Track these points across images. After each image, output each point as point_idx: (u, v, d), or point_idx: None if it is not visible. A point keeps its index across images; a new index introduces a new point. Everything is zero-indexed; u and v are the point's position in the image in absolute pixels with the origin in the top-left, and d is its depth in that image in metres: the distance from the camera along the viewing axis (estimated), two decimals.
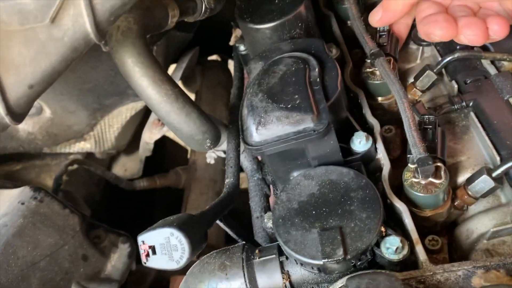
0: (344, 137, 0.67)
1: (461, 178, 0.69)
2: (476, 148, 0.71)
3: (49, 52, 0.47)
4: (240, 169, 0.89)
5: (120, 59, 0.69)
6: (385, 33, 0.79)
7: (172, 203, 1.47)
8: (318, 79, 0.65)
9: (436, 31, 0.66)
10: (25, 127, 1.21)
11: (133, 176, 1.43)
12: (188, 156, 1.53)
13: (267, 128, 0.62)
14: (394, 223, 0.64)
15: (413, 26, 0.82)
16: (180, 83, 1.72)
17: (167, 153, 1.70)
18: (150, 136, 1.23)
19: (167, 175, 1.39)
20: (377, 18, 0.75)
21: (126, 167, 1.47)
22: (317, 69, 0.66)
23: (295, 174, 0.68)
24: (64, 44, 0.47)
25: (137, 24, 0.70)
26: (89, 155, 1.37)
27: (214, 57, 1.82)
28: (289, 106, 0.62)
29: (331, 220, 0.57)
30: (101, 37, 0.50)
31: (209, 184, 1.37)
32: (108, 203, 1.47)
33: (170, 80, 0.72)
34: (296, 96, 0.63)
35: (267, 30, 0.75)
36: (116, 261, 0.89)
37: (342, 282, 0.54)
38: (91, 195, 1.39)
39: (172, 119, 0.72)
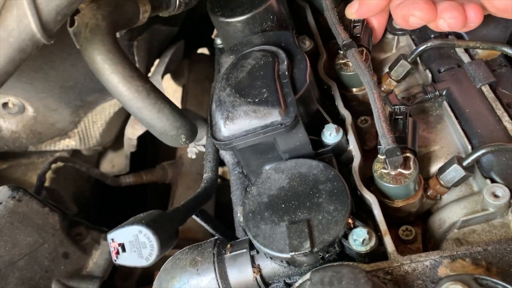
0: (316, 130, 0.67)
1: (434, 168, 0.69)
2: (449, 137, 0.70)
3: None
4: (219, 163, 0.89)
5: (89, 57, 0.69)
6: (359, 23, 0.79)
7: (163, 197, 1.47)
8: (286, 72, 0.65)
9: (415, 12, 0.66)
10: (9, 126, 1.20)
11: (120, 172, 1.43)
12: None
13: (235, 123, 0.62)
14: (366, 215, 0.64)
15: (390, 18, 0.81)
16: (167, 77, 1.72)
17: (159, 148, 1.70)
18: (132, 132, 1.23)
19: (153, 170, 1.39)
20: (352, 10, 0.76)
21: (114, 163, 1.47)
22: (286, 62, 0.66)
23: (267, 167, 0.67)
24: (10, 45, 0.47)
25: (105, 21, 0.69)
26: (76, 152, 1.37)
27: (203, 49, 1.81)
28: (256, 100, 0.62)
29: (299, 213, 0.57)
30: (49, 37, 0.49)
31: (196, 178, 1.37)
32: (98, 199, 1.47)
33: (141, 76, 0.71)
34: (264, 90, 0.62)
35: (238, 24, 0.75)
36: (98, 258, 0.89)
37: (309, 275, 0.54)
38: (81, 192, 1.39)
39: (144, 115, 0.72)
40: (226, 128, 0.62)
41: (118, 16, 0.72)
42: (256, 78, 0.64)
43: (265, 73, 0.64)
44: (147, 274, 1.16)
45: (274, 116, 0.60)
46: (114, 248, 0.58)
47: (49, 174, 1.24)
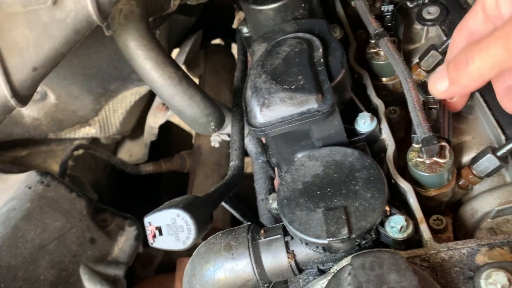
0: (349, 118, 0.67)
1: (466, 158, 0.69)
2: (481, 128, 0.70)
3: (52, 34, 0.47)
4: (244, 152, 0.90)
5: (123, 42, 0.69)
6: (390, 13, 0.79)
7: (178, 187, 1.48)
8: (322, 60, 0.65)
9: None
10: (30, 112, 1.21)
11: (138, 160, 1.44)
12: (193, 141, 1.53)
13: (271, 110, 0.62)
14: (399, 203, 0.64)
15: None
16: (183, 68, 1.72)
17: (172, 138, 1.70)
18: (154, 120, 1.23)
19: (172, 159, 1.40)
20: (441, 89, 0.60)
21: (131, 152, 1.48)
22: (320, 50, 0.66)
23: (299, 155, 0.68)
24: (67, 26, 0.47)
25: (139, 7, 0.70)
26: (94, 140, 1.38)
27: (217, 41, 1.81)
28: (292, 87, 0.62)
29: (335, 200, 0.57)
30: (103, 18, 0.50)
31: (214, 168, 1.37)
32: (114, 187, 1.48)
33: (173, 63, 0.72)
34: (300, 77, 0.63)
35: (270, 11, 0.75)
36: (123, 244, 0.90)
37: (347, 260, 0.54)
38: (97, 180, 1.40)
39: (175, 102, 0.72)
40: (262, 115, 0.62)
41: (151, 3, 0.72)
42: (292, 65, 0.64)
43: (301, 60, 0.64)
44: (167, 262, 1.17)
45: (310, 103, 0.61)
46: (151, 231, 0.59)
47: (69, 162, 1.25)
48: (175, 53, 1.45)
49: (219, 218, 1.21)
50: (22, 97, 0.53)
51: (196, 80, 1.72)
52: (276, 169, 0.87)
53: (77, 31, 0.48)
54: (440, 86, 0.59)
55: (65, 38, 0.48)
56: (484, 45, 0.52)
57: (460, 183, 0.66)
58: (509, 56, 0.50)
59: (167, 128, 1.59)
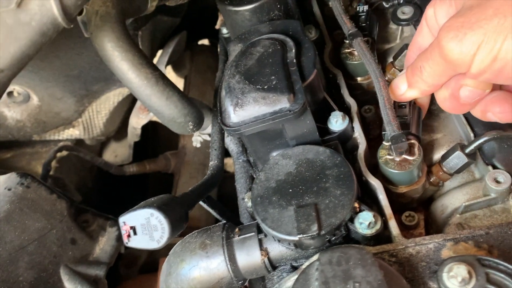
0: (322, 117, 0.69)
1: (437, 155, 0.71)
2: (452, 125, 0.72)
3: (17, 36, 0.48)
4: (225, 151, 0.91)
5: (100, 44, 0.70)
6: (364, 13, 0.80)
7: (165, 187, 1.49)
8: (294, 60, 0.66)
9: (495, 108, 0.57)
10: (13, 114, 1.21)
11: (123, 161, 1.45)
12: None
13: (245, 109, 0.63)
14: (371, 200, 0.65)
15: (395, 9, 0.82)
16: (169, 68, 1.72)
17: (160, 138, 1.71)
18: (137, 121, 1.24)
19: (156, 160, 1.40)
20: (399, 92, 0.64)
21: (117, 153, 1.48)
22: (293, 51, 0.67)
23: (274, 154, 0.69)
24: (32, 28, 0.48)
25: (115, 9, 0.70)
26: (79, 142, 1.38)
27: (204, 41, 1.81)
28: (265, 87, 0.63)
29: (307, 198, 0.58)
30: (69, 21, 0.50)
31: (199, 168, 1.38)
32: (100, 188, 1.48)
33: (150, 64, 0.72)
34: (273, 77, 0.64)
35: (246, 12, 0.76)
36: (105, 244, 0.90)
37: (316, 256, 0.55)
38: (83, 181, 1.40)
39: (153, 103, 0.73)
40: (236, 115, 0.63)
41: (128, 4, 0.73)
42: (265, 65, 0.65)
43: (274, 61, 0.65)
44: (151, 262, 1.17)
45: (282, 102, 0.62)
46: (125, 231, 0.60)
47: (53, 163, 1.25)
48: (159, 54, 1.45)
49: (203, 217, 1.22)
50: None
51: (182, 81, 1.73)
52: None
53: (43, 33, 0.49)
54: (399, 90, 0.63)
55: (30, 41, 0.49)
56: (430, 55, 0.55)
57: (431, 179, 0.67)
58: (450, 66, 0.53)
59: (154, 128, 1.60)
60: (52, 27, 0.50)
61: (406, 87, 0.62)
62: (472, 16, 0.50)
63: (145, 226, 0.59)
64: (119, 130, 1.44)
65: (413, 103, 0.68)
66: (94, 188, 1.44)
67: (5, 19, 0.46)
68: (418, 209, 0.70)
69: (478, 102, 0.58)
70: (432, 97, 0.76)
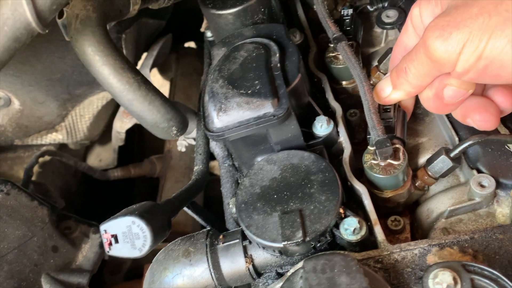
0: (307, 122, 0.68)
1: (423, 159, 0.71)
2: (436, 129, 0.72)
3: None
4: (210, 156, 0.90)
5: (80, 48, 0.68)
6: (349, 17, 0.80)
7: (150, 191, 1.47)
8: (278, 65, 0.65)
9: (475, 116, 0.58)
10: None
11: (108, 166, 1.43)
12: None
13: (228, 114, 0.62)
14: (356, 205, 0.65)
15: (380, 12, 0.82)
16: (154, 71, 1.71)
17: (146, 142, 1.69)
18: (121, 125, 1.22)
19: (141, 164, 1.39)
20: (384, 95, 0.64)
21: (101, 157, 1.46)
22: (277, 55, 0.66)
23: (259, 159, 0.68)
24: (5, 33, 0.46)
25: (96, 12, 0.69)
26: (62, 146, 1.36)
27: (190, 44, 1.80)
28: (249, 91, 0.62)
29: (291, 204, 0.58)
30: (44, 26, 0.49)
31: (185, 172, 1.37)
32: (85, 193, 1.46)
33: (132, 68, 0.71)
34: (257, 81, 0.63)
35: (230, 16, 0.75)
36: (88, 251, 0.89)
37: (301, 264, 0.54)
38: (68, 186, 1.38)
39: (135, 107, 0.72)
40: (219, 120, 0.62)
41: (109, 8, 0.72)
42: (249, 70, 0.64)
43: (257, 65, 0.64)
44: (136, 268, 1.16)
45: (266, 107, 0.61)
46: (107, 239, 0.58)
47: (35, 168, 1.23)
48: (144, 57, 1.44)
49: (189, 222, 1.20)
50: None
51: (168, 83, 1.72)
52: None
53: (16, 38, 0.48)
54: (384, 92, 0.63)
55: (3, 46, 0.47)
56: (415, 55, 0.55)
57: (417, 184, 0.67)
58: (435, 65, 0.53)
59: (140, 132, 1.58)
60: (26, 32, 0.48)
61: (391, 90, 0.62)
62: (458, 15, 0.50)
63: (126, 234, 0.58)
64: (104, 134, 1.42)
65: (397, 106, 0.68)
66: (78, 194, 1.42)
67: None
68: (404, 213, 0.70)
69: (461, 103, 0.58)
70: (417, 101, 0.76)
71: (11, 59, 0.51)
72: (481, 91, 0.60)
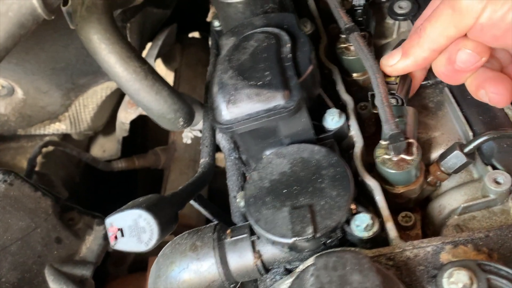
0: (317, 115, 0.66)
1: (435, 154, 0.69)
2: (450, 124, 0.70)
3: None
4: (216, 148, 0.88)
5: (86, 36, 0.67)
6: (361, 7, 0.78)
7: (154, 183, 1.46)
8: (289, 55, 0.63)
9: (491, 88, 0.56)
10: None
11: (111, 157, 1.41)
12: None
13: (238, 106, 0.60)
14: (367, 201, 0.63)
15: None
16: (159, 61, 1.69)
17: (150, 133, 1.68)
18: (125, 116, 1.21)
19: (146, 155, 1.37)
20: (391, 62, 0.61)
21: (105, 148, 1.45)
22: (288, 45, 0.64)
23: (267, 152, 0.67)
24: (10, 19, 0.44)
25: (102, 0, 0.67)
26: (66, 137, 1.35)
27: (194, 34, 1.78)
28: (259, 83, 0.61)
29: (302, 198, 0.56)
30: (50, 12, 0.47)
31: (189, 164, 1.35)
32: (88, 184, 1.45)
33: (138, 57, 0.69)
34: (267, 72, 0.61)
35: (239, 5, 0.73)
36: (91, 243, 0.88)
37: (311, 260, 0.53)
38: (71, 177, 1.37)
39: (141, 97, 0.70)
40: (228, 112, 0.61)
41: None
42: (259, 60, 0.63)
43: (268, 56, 0.63)
44: (140, 260, 1.15)
45: (277, 100, 0.59)
46: (112, 232, 0.57)
47: (39, 159, 1.22)
48: (149, 46, 1.42)
49: (193, 215, 1.19)
50: None
51: (172, 74, 1.70)
52: None
53: (22, 25, 0.46)
54: (392, 60, 0.60)
55: (8, 33, 0.46)
56: (436, 12, 0.53)
57: (429, 179, 0.66)
58: (457, 16, 0.50)
59: (143, 123, 1.57)
60: (31, 18, 0.46)
61: (400, 57, 0.59)
62: None
63: (132, 228, 0.57)
64: (108, 125, 1.41)
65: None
66: (82, 184, 1.41)
67: None
68: (415, 209, 0.68)
69: (473, 71, 0.56)
70: (430, 94, 0.74)
71: (15, 46, 0.49)
72: (500, 67, 0.57)
